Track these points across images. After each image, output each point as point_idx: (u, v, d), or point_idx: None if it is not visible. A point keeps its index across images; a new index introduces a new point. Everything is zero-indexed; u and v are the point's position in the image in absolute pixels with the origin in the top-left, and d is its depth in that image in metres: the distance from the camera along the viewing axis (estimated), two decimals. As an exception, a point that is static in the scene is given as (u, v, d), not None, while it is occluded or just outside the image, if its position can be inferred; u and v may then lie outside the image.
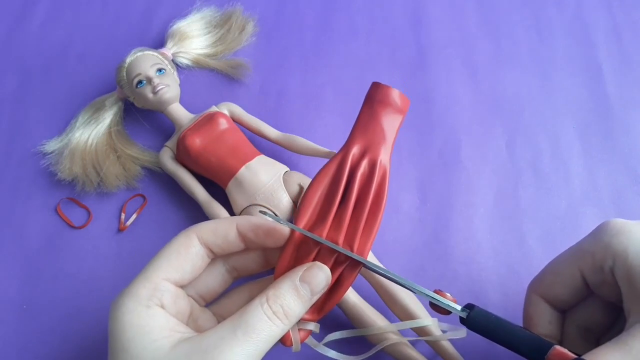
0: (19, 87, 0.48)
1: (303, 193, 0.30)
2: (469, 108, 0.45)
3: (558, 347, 0.25)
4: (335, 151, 0.33)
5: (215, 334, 0.24)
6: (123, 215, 0.41)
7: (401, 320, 0.35)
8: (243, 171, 0.38)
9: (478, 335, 0.29)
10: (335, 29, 0.50)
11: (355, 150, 0.30)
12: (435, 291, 0.28)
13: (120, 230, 0.41)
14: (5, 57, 0.49)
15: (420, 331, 0.34)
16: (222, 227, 0.27)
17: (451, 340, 0.35)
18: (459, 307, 0.28)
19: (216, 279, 0.29)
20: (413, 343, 0.35)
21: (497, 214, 0.41)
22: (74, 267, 0.40)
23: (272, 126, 0.42)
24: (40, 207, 0.42)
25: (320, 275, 0.26)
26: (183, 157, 0.40)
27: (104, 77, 0.47)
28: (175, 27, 0.47)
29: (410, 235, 0.41)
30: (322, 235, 0.28)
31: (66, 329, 0.38)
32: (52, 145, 0.43)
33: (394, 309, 0.35)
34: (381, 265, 0.35)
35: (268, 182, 0.38)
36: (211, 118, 0.40)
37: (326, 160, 0.40)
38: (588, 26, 0.49)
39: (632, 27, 0.49)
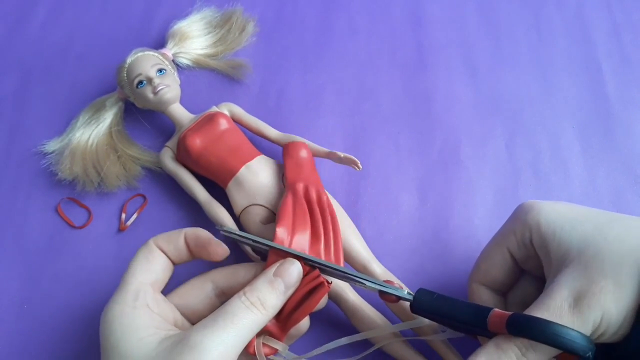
0: (19, 87, 0.48)
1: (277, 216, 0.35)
2: (469, 108, 0.45)
3: (496, 310, 0.28)
4: (336, 151, 0.39)
5: (198, 326, 0.26)
6: (123, 215, 0.41)
7: (401, 320, 0.35)
8: (243, 171, 0.38)
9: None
10: (335, 29, 0.50)
11: (300, 186, 0.36)
12: (385, 281, 0.31)
13: (120, 230, 0.41)
14: (5, 57, 0.49)
15: (420, 331, 0.34)
16: (173, 237, 0.31)
17: (450, 340, 0.35)
18: (405, 291, 0.30)
19: (203, 300, 0.31)
20: (412, 343, 0.35)
21: (497, 214, 0.41)
22: (74, 267, 0.40)
23: (272, 126, 0.42)
24: (41, 207, 0.42)
25: (292, 269, 0.29)
26: (183, 157, 0.40)
27: (104, 77, 0.47)
28: (175, 27, 0.47)
29: (410, 234, 0.41)
30: (306, 245, 0.33)
31: (66, 329, 0.38)
32: (52, 145, 0.43)
33: (393, 308, 0.35)
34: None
35: (268, 182, 0.38)
36: (211, 118, 0.40)
37: (327, 160, 0.40)
38: (588, 26, 0.49)
39: (632, 27, 0.49)
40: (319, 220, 0.35)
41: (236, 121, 0.42)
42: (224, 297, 0.31)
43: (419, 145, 0.44)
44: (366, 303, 0.35)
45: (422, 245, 0.40)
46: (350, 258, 0.37)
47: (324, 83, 0.47)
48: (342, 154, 0.39)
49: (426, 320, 0.33)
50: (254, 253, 0.37)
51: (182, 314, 0.31)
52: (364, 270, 0.36)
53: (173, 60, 0.46)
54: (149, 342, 0.26)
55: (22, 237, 0.41)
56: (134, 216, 0.41)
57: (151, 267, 0.30)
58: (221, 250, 0.31)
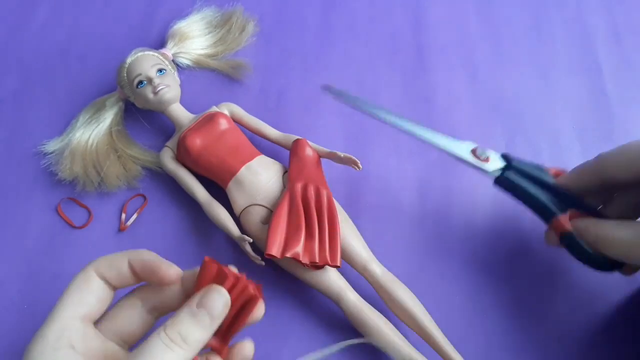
0: (19, 87, 0.48)
1: (270, 220, 0.35)
2: (469, 108, 0.45)
3: (570, 213, 0.33)
4: (336, 151, 0.39)
5: None
6: (123, 215, 0.41)
7: (401, 320, 0.35)
8: (243, 171, 0.38)
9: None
10: (335, 29, 0.50)
11: (298, 186, 0.37)
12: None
13: (120, 230, 0.41)
14: (6, 58, 0.49)
15: (420, 331, 0.35)
16: (116, 261, 0.28)
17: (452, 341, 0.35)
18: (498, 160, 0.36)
19: (136, 320, 0.28)
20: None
21: (497, 214, 0.41)
22: (74, 267, 0.39)
23: (272, 126, 0.42)
24: (41, 207, 0.42)
25: (218, 299, 0.25)
26: (183, 157, 0.40)
27: (104, 77, 0.47)
28: (175, 27, 0.47)
29: (410, 235, 0.41)
30: (299, 243, 0.34)
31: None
32: (52, 145, 0.43)
33: (393, 309, 0.35)
34: None
35: (268, 182, 0.38)
36: (211, 118, 0.40)
37: (326, 160, 0.40)
38: (588, 26, 0.49)
39: (632, 27, 0.49)
40: (314, 218, 0.35)
41: (236, 121, 0.42)
42: (156, 312, 0.29)
43: (419, 146, 0.44)
44: (366, 303, 0.35)
45: (422, 246, 0.40)
46: (350, 258, 0.37)
47: (324, 83, 0.47)
48: (342, 154, 0.39)
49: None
50: (254, 253, 0.37)
51: (118, 338, 0.28)
52: (363, 270, 0.36)
53: (173, 60, 0.46)
54: None
55: (22, 237, 0.41)
56: (134, 216, 0.41)
57: (84, 298, 0.27)
58: (173, 272, 0.27)
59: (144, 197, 0.42)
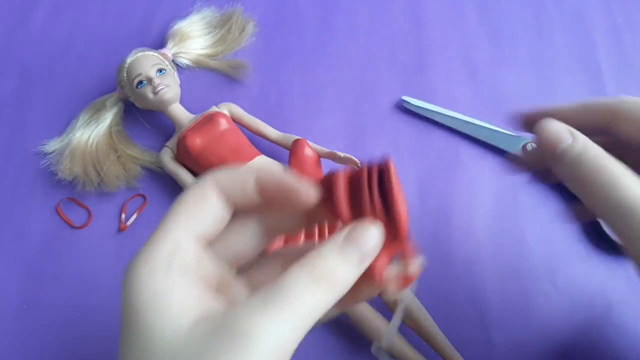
0: (19, 88, 0.48)
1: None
2: (469, 108, 0.45)
3: None
4: (336, 151, 0.39)
5: (244, 308, 0.19)
6: (123, 215, 0.41)
7: (402, 321, 0.35)
8: (243, 171, 0.38)
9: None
10: (335, 29, 0.50)
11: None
12: None
13: (120, 230, 0.41)
14: (6, 58, 0.49)
15: (419, 330, 0.35)
16: (241, 177, 0.23)
17: (451, 340, 0.35)
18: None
19: (250, 240, 0.24)
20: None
21: (497, 214, 0.41)
22: (74, 267, 0.40)
23: (272, 126, 0.42)
24: (41, 207, 0.42)
25: (369, 232, 0.22)
26: (183, 157, 0.40)
27: (104, 77, 0.47)
28: (175, 27, 0.47)
29: (410, 234, 0.40)
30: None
31: (66, 329, 0.38)
32: (52, 145, 0.43)
33: (394, 309, 0.35)
34: None
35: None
36: (211, 118, 0.40)
37: (328, 160, 0.40)
38: (588, 26, 0.49)
39: (631, 27, 0.49)
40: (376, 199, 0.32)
41: (236, 121, 0.42)
42: (273, 233, 0.24)
43: (419, 146, 0.44)
44: (367, 304, 0.35)
45: (422, 245, 0.40)
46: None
47: (324, 83, 0.47)
48: (342, 154, 0.39)
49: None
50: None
51: (229, 261, 0.24)
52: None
53: (173, 60, 0.46)
54: (181, 324, 0.19)
55: (22, 237, 0.41)
56: (134, 216, 0.41)
57: (200, 215, 0.22)
58: (314, 194, 0.22)
59: (144, 197, 0.42)
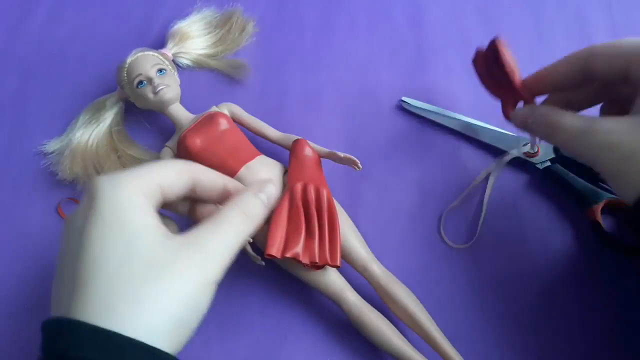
0: (20, 87, 0.48)
1: (270, 220, 0.35)
2: (469, 108, 0.45)
3: None
4: (336, 151, 0.39)
5: (201, 229, 0.27)
6: (123, 215, 0.41)
7: (400, 320, 0.35)
8: (243, 171, 0.38)
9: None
10: (335, 29, 0.50)
11: (298, 186, 0.36)
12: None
13: (120, 230, 0.41)
14: (6, 57, 0.49)
15: (419, 330, 0.35)
16: (211, 173, 0.30)
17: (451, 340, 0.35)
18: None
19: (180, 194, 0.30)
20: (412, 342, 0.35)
21: (497, 214, 0.41)
22: (75, 267, 0.40)
23: (272, 126, 0.42)
24: (41, 207, 0.42)
25: (273, 189, 0.31)
26: (183, 157, 0.40)
27: (104, 77, 0.47)
28: (175, 27, 0.47)
29: (410, 235, 0.41)
30: (299, 243, 0.35)
31: (67, 329, 0.38)
32: (52, 145, 0.43)
33: (393, 309, 0.36)
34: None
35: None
36: (212, 118, 0.40)
37: (327, 160, 0.40)
38: (588, 26, 0.49)
39: (632, 27, 0.49)
40: (314, 218, 0.35)
41: (236, 121, 0.42)
42: (190, 193, 0.30)
43: (419, 146, 0.44)
44: (367, 304, 0.35)
45: (423, 246, 0.40)
46: (350, 258, 0.37)
47: (324, 83, 0.47)
48: (342, 154, 0.39)
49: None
50: (254, 252, 0.37)
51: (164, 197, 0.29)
52: (363, 270, 0.36)
53: (173, 61, 0.46)
54: (159, 233, 0.25)
55: (22, 237, 0.41)
56: (134, 216, 0.41)
57: (172, 181, 0.28)
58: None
59: (144, 197, 0.42)
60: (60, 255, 0.27)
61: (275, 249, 0.34)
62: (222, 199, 0.31)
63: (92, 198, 0.25)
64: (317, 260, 0.34)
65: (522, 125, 0.34)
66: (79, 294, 0.24)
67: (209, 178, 0.30)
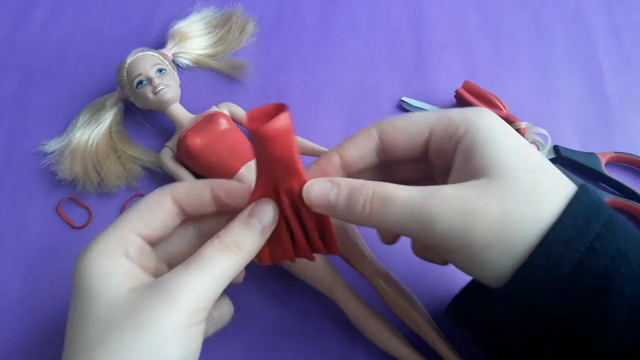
0: (19, 87, 0.48)
1: None
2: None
3: None
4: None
5: (170, 273, 0.25)
6: (123, 215, 0.41)
7: (401, 319, 0.35)
8: (243, 171, 0.38)
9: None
10: (335, 29, 0.50)
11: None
12: None
13: (120, 230, 0.41)
14: (6, 58, 0.49)
15: (420, 330, 0.35)
16: (196, 188, 0.28)
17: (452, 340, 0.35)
18: None
19: (186, 244, 0.29)
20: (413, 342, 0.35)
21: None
22: (74, 267, 0.40)
23: (272, 126, 0.42)
24: (41, 207, 0.42)
25: (268, 208, 0.27)
26: (183, 157, 0.40)
27: (104, 77, 0.47)
28: (175, 27, 0.47)
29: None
30: (287, 245, 0.29)
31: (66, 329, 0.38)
32: (52, 145, 0.43)
33: (393, 308, 0.36)
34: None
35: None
36: (212, 118, 0.40)
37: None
38: (588, 26, 0.49)
39: (631, 27, 0.49)
40: (296, 223, 0.29)
41: (236, 121, 0.42)
42: (206, 238, 0.27)
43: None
44: (366, 304, 0.35)
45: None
46: (350, 258, 0.37)
47: (324, 83, 0.47)
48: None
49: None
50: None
51: (167, 260, 0.29)
52: (363, 269, 0.36)
53: (173, 61, 0.46)
54: (121, 290, 0.24)
55: (22, 237, 0.41)
56: (134, 216, 0.41)
57: (151, 219, 0.27)
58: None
59: (144, 197, 0.42)
60: None
61: (265, 258, 0.30)
62: (219, 209, 0.29)
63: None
64: (310, 255, 0.30)
65: (323, 205, 0.27)
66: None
67: (193, 194, 0.28)
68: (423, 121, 0.28)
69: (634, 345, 0.23)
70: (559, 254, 0.23)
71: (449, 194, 0.24)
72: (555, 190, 0.25)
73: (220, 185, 0.28)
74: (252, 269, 0.39)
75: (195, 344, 0.24)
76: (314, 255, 0.30)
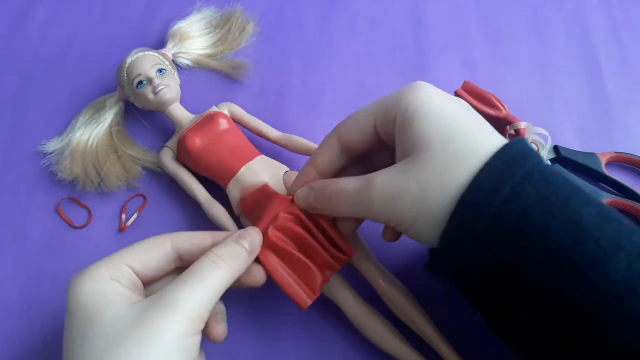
0: (19, 88, 0.48)
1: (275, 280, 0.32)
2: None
3: None
4: None
5: (169, 287, 0.26)
6: (123, 216, 0.41)
7: (401, 320, 0.35)
8: (243, 171, 0.38)
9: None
10: (335, 29, 0.50)
11: (268, 236, 0.32)
12: None
13: (120, 230, 0.41)
14: (6, 58, 0.49)
15: (420, 331, 0.35)
16: (198, 235, 0.30)
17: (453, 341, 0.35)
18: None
19: (162, 261, 0.30)
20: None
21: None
22: (74, 267, 0.39)
23: (272, 126, 0.42)
24: (41, 207, 0.42)
25: (254, 234, 0.31)
26: (183, 157, 0.40)
27: (104, 77, 0.47)
28: (175, 27, 0.47)
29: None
30: (315, 273, 0.33)
31: (66, 329, 0.38)
32: (52, 145, 0.43)
33: (393, 309, 0.36)
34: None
35: (268, 182, 0.38)
36: (211, 118, 0.40)
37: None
38: (588, 26, 0.49)
39: (632, 27, 0.49)
40: (309, 241, 0.32)
41: (236, 121, 0.42)
42: (179, 261, 0.30)
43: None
44: (367, 304, 0.35)
45: (423, 245, 0.40)
46: (350, 261, 0.37)
47: (324, 83, 0.47)
48: None
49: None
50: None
51: (139, 274, 0.30)
52: (363, 269, 0.36)
53: (173, 60, 0.46)
54: (119, 307, 0.26)
55: (22, 237, 0.41)
56: (134, 216, 0.41)
57: (146, 258, 0.29)
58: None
59: (144, 197, 0.42)
60: None
61: (304, 299, 0.32)
62: None
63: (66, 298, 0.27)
64: (339, 268, 0.33)
65: (308, 206, 0.32)
66: None
67: (194, 242, 0.30)
68: (368, 113, 0.31)
69: (549, 288, 0.24)
70: (470, 217, 0.25)
71: (379, 181, 0.28)
72: (470, 155, 0.26)
73: (222, 236, 0.30)
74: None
75: (194, 353, 0.26)
76: (339, 264, 0.33)
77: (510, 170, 0.25)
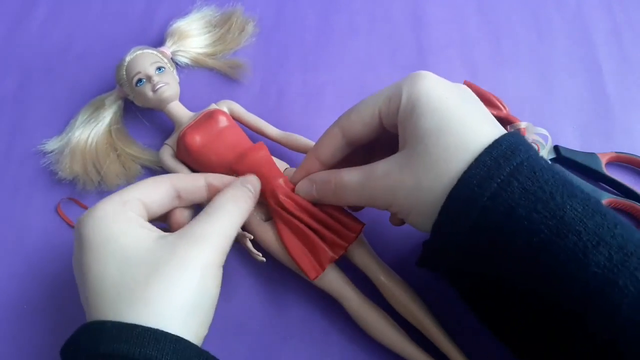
0: (19, 87, 0.48)
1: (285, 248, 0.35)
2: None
3: None
4: None
5: (195, 222, 0.29)
6: (123, 215, 0.41)
7: (403, 316, 0.35)
8: (243, 170, 0.38)
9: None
10: (335, 29, 0.50)
11: (272, 202, 0.35)
12: None
13: (120, 229, 0.41)
14: (5, 57, 0.49)
15: (422, 327, 0.35)
16: (192, 176, 0.33)
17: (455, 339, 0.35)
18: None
19: (166, 202, 0.32)
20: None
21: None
22: (74, 266, 0.40)
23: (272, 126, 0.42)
24: (41, 206, 0.42)
25: (254, 181, 0.34)
26: (183, 155, 0.40)
27: (103, 76, 0.47)
28: (175, 26, 0.47)
29: (410, 234, 0.40)
30: (324, 247, 0.34)
31: (66, 329, 0.38)
32: (52, 145, 0.43)
33: (395, 305, 0.36)
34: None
35: (268, 180, 0.38)
36: (211, 116, 0.40)
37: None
38: (588, 26, 0.49)
39: (632, 27, 0.49)
40: (306, 215, 0.35)
41: (236, 119, 0.42)
42: (177, 200, 0.32)
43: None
44: (369, 301, 0.35)
45: (423, 240, 0.40)
46: (351, 255, 0.37)
47: (324, 83, 0.47)
48: None
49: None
50: (254, 249, 0.37)
51: (147, 207, 0.31)
52: (364, 266, 0.36)
53: (172, 59, 0.46)
54: (148, 239, 0.28)
55: (21, 237, 0.41)
56: (134, 216, 0.41)
57: (152, 193, 0.31)
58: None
59: (144, 197, 0.42)
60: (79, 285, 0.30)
61: (314, 271, 0.34)
62: (211, 195, 0.33)
63: (79, 235, 0.28)
64: (347, 245, 0.34)
65: (310, 199, 0.34)
66: (92, 315, 0.27)
67: (189, 180, 0.32)
68: (372, 105, 0.31)
69: (531, 281, 0.25)
70: (458, 212, 0.26)
71: (379, 173, 0.29)
72: (462, 149, 0.27)
73: (215, 176, 0.34)
74: (251, 267, 0.39)
75: (219, 282, 0.28)
76: (347, 241, 0.34)
77: (499, 166, 0.26)
